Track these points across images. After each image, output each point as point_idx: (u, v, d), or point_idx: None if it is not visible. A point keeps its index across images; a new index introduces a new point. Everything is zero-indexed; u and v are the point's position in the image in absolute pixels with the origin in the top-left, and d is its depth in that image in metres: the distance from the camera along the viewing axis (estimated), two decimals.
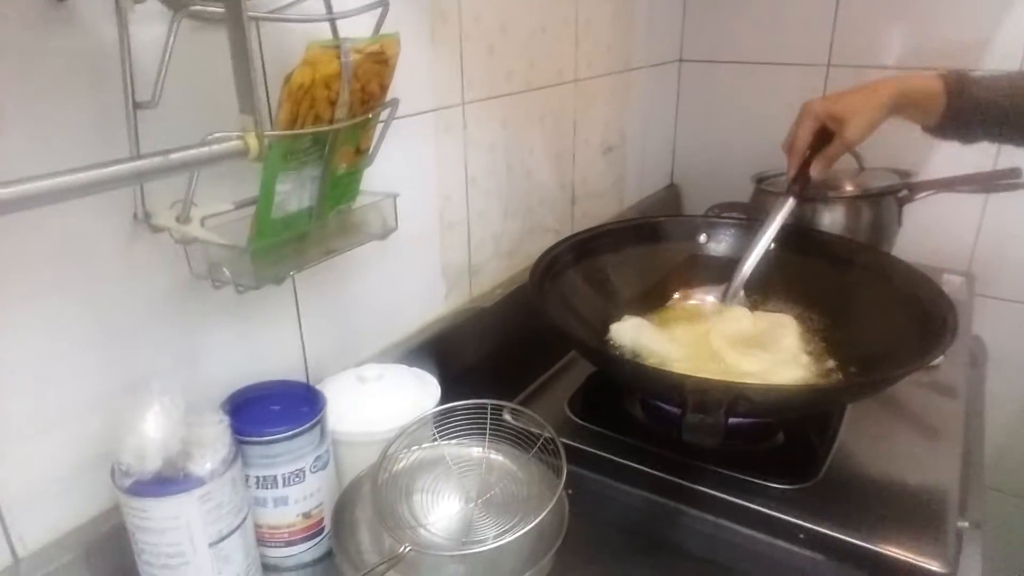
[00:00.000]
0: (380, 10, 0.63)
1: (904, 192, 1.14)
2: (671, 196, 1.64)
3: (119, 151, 0.52)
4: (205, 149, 0.43)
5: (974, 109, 0.85)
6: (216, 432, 0.57)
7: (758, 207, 1.17)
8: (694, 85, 1.58)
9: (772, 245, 1.02)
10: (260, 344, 0.72)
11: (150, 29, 0.54)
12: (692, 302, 1.01)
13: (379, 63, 0.61)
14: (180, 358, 0.65)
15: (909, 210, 1.17)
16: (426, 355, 0.89)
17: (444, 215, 0.95)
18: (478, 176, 0.99)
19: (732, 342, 0.90)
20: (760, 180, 1.24)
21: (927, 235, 1.28)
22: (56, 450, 0.57)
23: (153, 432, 0.52)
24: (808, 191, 0.95)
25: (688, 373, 0.68)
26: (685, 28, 1.53)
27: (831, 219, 1.14)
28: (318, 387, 0.74)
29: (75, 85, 0.52)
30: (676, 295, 1.02)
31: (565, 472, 0.61)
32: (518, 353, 1.02)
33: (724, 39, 1.50)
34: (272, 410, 0.64)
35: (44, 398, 0.55)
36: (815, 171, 0.92)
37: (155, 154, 0.41)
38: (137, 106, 0.52)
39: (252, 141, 0.47)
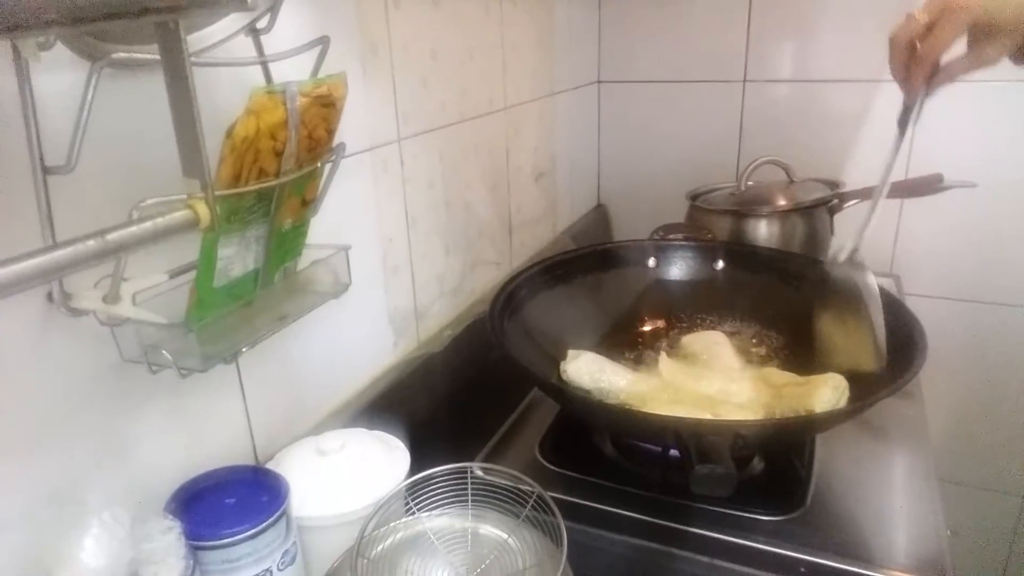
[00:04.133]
0: (320, 48, 0.57)
1: (835, 202, 1.16)
2: (600, 217, 1.63)
3: (27, 227, 0.44)
4: (148, 225, 0.36)
5: None
6: (167, 543, 0.49)
7: (698, 225, 1.17)
8: (613, 106, 1.57)
9: (720, 264, 1.02)
10: (201, 424, 0.64)
11: (57, 78, 0.46)
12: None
13: (326, 106, 0.55)
14: (111, 453, 0.56)
15: (838, 217, 1.20)
16: (381, 411, 0.83)
17: (387, 259, 0.88)
18: (418, 215, 0.94)
19: (679, 367, 0.89)
20: (695, 197, 1.24)
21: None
22: None
23: (94, 560, 0.43)
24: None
25: (679, 415, 0.65)
26: (602, 50, 1.53)
27: (768, 233, 1.15)
28: (272, 465, 0.67)
29: None
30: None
31: (566, 540, 0.56)
32: (476, 395, 0.97)
33: (639, 59, 1.51)
34: (227, 504, 0.56)
35: None
36: (935, 85, 0.72)
37: (85, 237, 0.34)
38: (48, 172, 0.44)
39: (202, 209, 0.40)
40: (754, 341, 0.95)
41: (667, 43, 1.47)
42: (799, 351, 0.90)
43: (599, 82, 1.56)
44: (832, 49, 1.34)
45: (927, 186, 1.10)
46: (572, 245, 1.40)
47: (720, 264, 1.00)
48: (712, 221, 1.17)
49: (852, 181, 1.20)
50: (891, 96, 1.30)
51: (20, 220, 0.45)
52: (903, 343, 0.75)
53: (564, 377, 0.88)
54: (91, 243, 0.33)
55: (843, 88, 1.34)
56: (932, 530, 0.69)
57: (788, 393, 0.79)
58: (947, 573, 0.64)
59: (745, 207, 1.15)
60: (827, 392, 0.75)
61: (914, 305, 1.32)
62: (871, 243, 1.36)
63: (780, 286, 0.96)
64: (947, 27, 0.67)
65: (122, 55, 0.41)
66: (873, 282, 0.83)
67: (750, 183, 1.21)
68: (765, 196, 1.17)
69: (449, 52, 0.97)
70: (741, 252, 1.02)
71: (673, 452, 0.78)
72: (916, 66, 0.71)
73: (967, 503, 1.52)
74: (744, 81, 1.42)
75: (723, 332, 0.95)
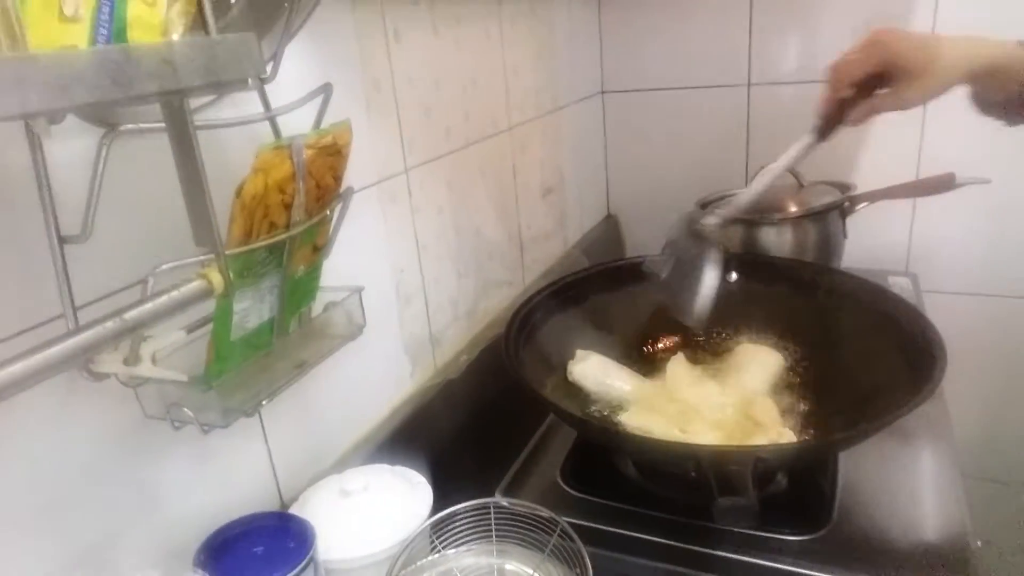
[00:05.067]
0: (322, 96, 0.58)
1: (847, 204, 1.16)
2: (610, 227, 1.62)
3: (48, 295, 0.45)
4: (165, 299, 0.37)
5: None
6: None
7: None
8: (618, 115, 1.57)
9: (734, 276, 1.01)
10: (225, 471, 0.65)
11: (69, 146, 0.47)
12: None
13: (332, 155, 0.55)
14: (140, 509, 0.57)
15: (850, 220, 1.19)
16: (401, 442, 0.83)
17: (400, 289, 0.89)
18: (428, 242, 0.94)
19: (687, 372, 0.90)
20: (704, 205, 1.24)
21: (869, 242, 1.31)
22: None
23: None
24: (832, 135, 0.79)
25: (699, 443, 0.65)
26: (604, 60, 1.53)
27: (780, 240, 1.14)
28: (297, 507, 0.67)
29: None
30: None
31: (591, 573, 0.56)
32: (496, 419, 0.97)
33: (642, 67, 1.50)
34: (255, 553, 0.57)
35: None
36: (854, 118, 0.75)
37: (105, 319, 0.34)
38: (64, 241, 0.45)
39: (215, 277, 0.41)
40: None
41: (669, 49, 1.46)
42: (817, 359, 0.90)
43: (603, 92, 1.56)
44: (836, 47, 1.32)
45: (941, 186, 1.09)
46: (584, 258, 1.40)
47: (733, 276, 1.00)
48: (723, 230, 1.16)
49: (863, 183, 1.19)
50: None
51: (40, 289, 0.46)
52: (922, 356, 0.74)
53: (570, 378, 0.90)
54: (110, 324, 0.34)
55: None
56: (959, 536, 0.69)
57: (743, 426, 0.81)
58: None
59: (755, 214, 1.15)
60: (763, 440, 0.77)
61: (932, 302, 1.32)
62: (885, 241, 1.37)
63: (795, 296, 0.96)
64: (861, 56, 0.72)
65: (130, 127, 0.41)
66: (717, 259, 0.82)
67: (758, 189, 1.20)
68: (775, 202, 1.16)
69: (451, 79, 0.97)
70: (754, 263, 1.01)
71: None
72: (830, 85, 0.75)
73: (990, 498, 1.49)
74: (749, 85, 1.41)
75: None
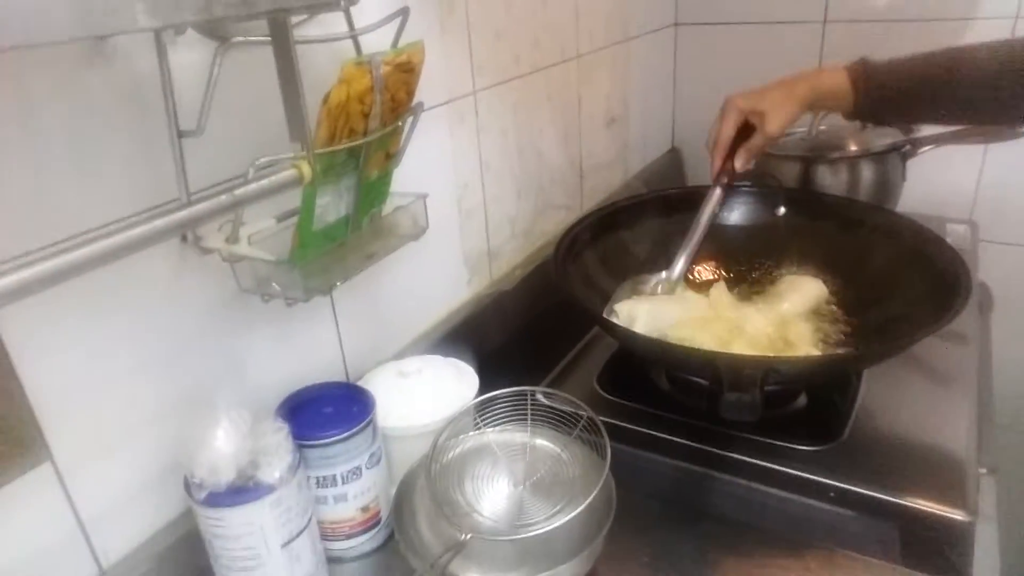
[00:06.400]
0: (400, 19, 0.64)
1: (908, 148, 1.16)
2: (674, 160, 1.65)
3: (166, 179, 0.54)
4: (265, 182, 0.45)
5: (880, 96, 0.87)
6: (278, 440, 0.60)
7: (764, 171, 1.18)
8: (690, 48, 1.58)
9: (782, 210, 1.05)
10: (302, 347, 0.75)
11: (187, 55, 0.56)
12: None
13: (406, 72, 0.62)
14: (230, 367, 0.68)
15: (912, 163, 1.19)
16: (455, 341, 0.92)
17: (462, 204, 0.97)
18: (491, 161, 1.01)
19: (727, 298, 0.96)
20: None
21: (930, 187, 1.30)
22: (129, 464, 0.60)
23: (224, 447, 0.55)
24: (734, 182, 0.99)
25: (717, 350, 0.71)
26: None
27: (835, 179, 1.16)
28: (361, 383, 0.77)
29: (120, 118, 0.54)
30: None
31: (609, 453, 0.64)
32: (542, 330, 1.05)
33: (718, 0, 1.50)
34: (325, 413, 0.67)
35: (113, 415, 0.58)
36: (739, 163, 0.95)
37: (219, 193, 0.43)
38: (181, 135, 0.54)
39: (305, 168, 0.49)
40: None
41: None
42: (852, 292, 0.94)
43: (676, 24, 1.56)
44: None
45: (1010, 132, 1.08)
46: (643, 189, 1.44)
47: (782, 210, 1.03)
48: (780, 166, 1.18)
49: (928, 127, 1.19)
50: (980, 33, 1.27)
51: (162, 174, 0.55)
52: (948, 282, 0.78)
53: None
54: (222, 198, 0.43)
55: (927, 28, 1.30)
56: (962, 465, 0.73)
57: (777, 347, 0.87)
58: (973, 506, 0.69)
59: (814, 152, 1.16)
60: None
61: (990, 252, 1.32)
62: (949, 187, 1.36)
63: (839, 232, 0.99)
64: (726, 117, 0.95)
65: (239, 39, 0.49)
66: None
67: (822, 128, 1.21)
68: (836, 141, 1.17)
69: (522, 3, 1.01)
70: (802, 198, 1.04)
71: None
72: (715, 150, 0.97)
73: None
74: (824, 22, 1.40)
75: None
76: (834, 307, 0.95)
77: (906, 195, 1.21)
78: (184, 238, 0.59)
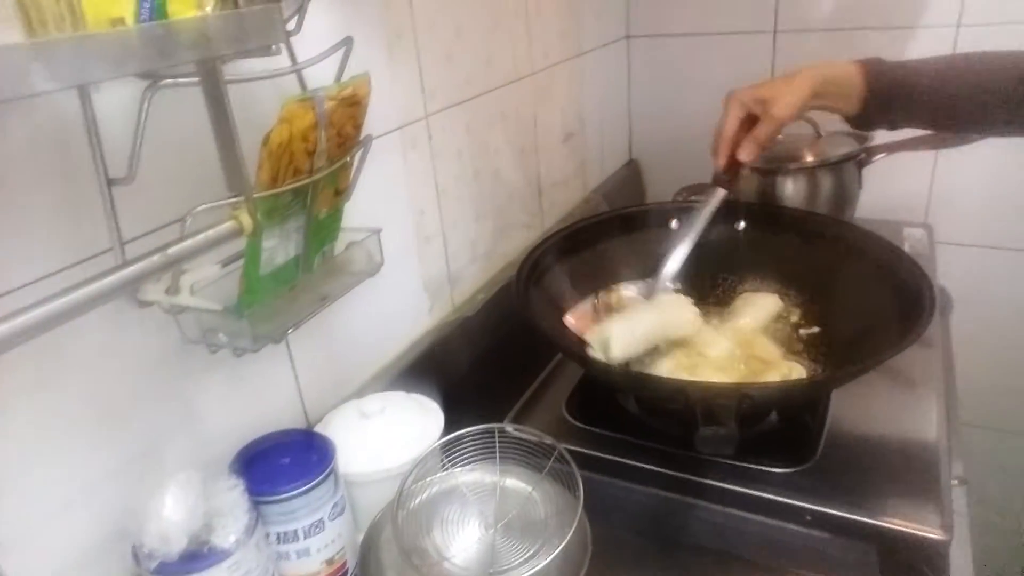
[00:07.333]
0: (344, 48, 0.61)
1: (863, 156, 1.17)
2: (632, 172, 1.64)
3: (99, 226, 0.51)
4: (201, 237, 0.42)
5: (892, 92, 0.82)
6: (233, 499, 0.56)
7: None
8: (643, 60, 1.57)
9: (742, 225, 1.04)
10: (256, 393, 0.71)
11: (116, 94, 0.52)
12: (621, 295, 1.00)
13: (352, 105, 0.59)
14: (180, 422, 0.64)
15: (867, 171, 1.20)
16: (419, 373, 0.89)
17: (420, 230, 0.94)
18: (447, 185, 0.99)
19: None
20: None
21: (886, 193, 1.32)
22: (70, 534, 0.56)
23: (174, 514, 0.51)
24: (738, 181, 0.94)
25: (689, 379, 0.70)
26: (630, 4, 1.52)
27: (795, 189, 1.16)
28: (320, 427, 0.74)
29: (45, 166, 0.50)
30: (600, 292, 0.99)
31: (582, 493, 0.62)
32: (508, 353, 1.03)
33: (668, 12, 1.50)
34: (282, 464, 0.64)
35: (52, 485, 0.54)
36: (744, 154, 0.88)
37: (150, 254, 0.40)
38: (112, 183, 0.50)
39: (244, 219, 0.46)
40: None
41: None
42: (816, 306, 0.94)
43: (628, 37, 1.56)
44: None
45: (960, 138, 1.09)
46: (603, 203, 1.43)
47: (742, 224, 1.03)
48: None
49: (881, 133, 1.20)
50: (925, 42, 1.28)
51: (92, 225, 0.52)
52: (911, 295, 0.77)
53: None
54: (155, 258, 0.39)
55: (872, 37, 1.32)
56: (935, 479, 0.73)
57: (751, 366, 0.85)
58: (948, 523, 0.68)
59: (772, 164, 1.16)
60: (776, 376, 0.81)
61: (946, 253, 1.34)
62: (903, 192, 1.38)
63: (801, 245, 0.98)
64: (728, 111, 0.89)
65: (169, 81, 0.46)
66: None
67: (780, 138, 1.21)
68: (792, 152, 1.17)
69: (473, 25, 0.99)
70: (762, 212, 1.04)
71: None
72: (720, 142, 0.90)
73: (990, 446, 1.53)
74: (774, 32, 1.41)
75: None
76: (796, 318, 0.94)
77: (863, 202, 1.22)
78: None
